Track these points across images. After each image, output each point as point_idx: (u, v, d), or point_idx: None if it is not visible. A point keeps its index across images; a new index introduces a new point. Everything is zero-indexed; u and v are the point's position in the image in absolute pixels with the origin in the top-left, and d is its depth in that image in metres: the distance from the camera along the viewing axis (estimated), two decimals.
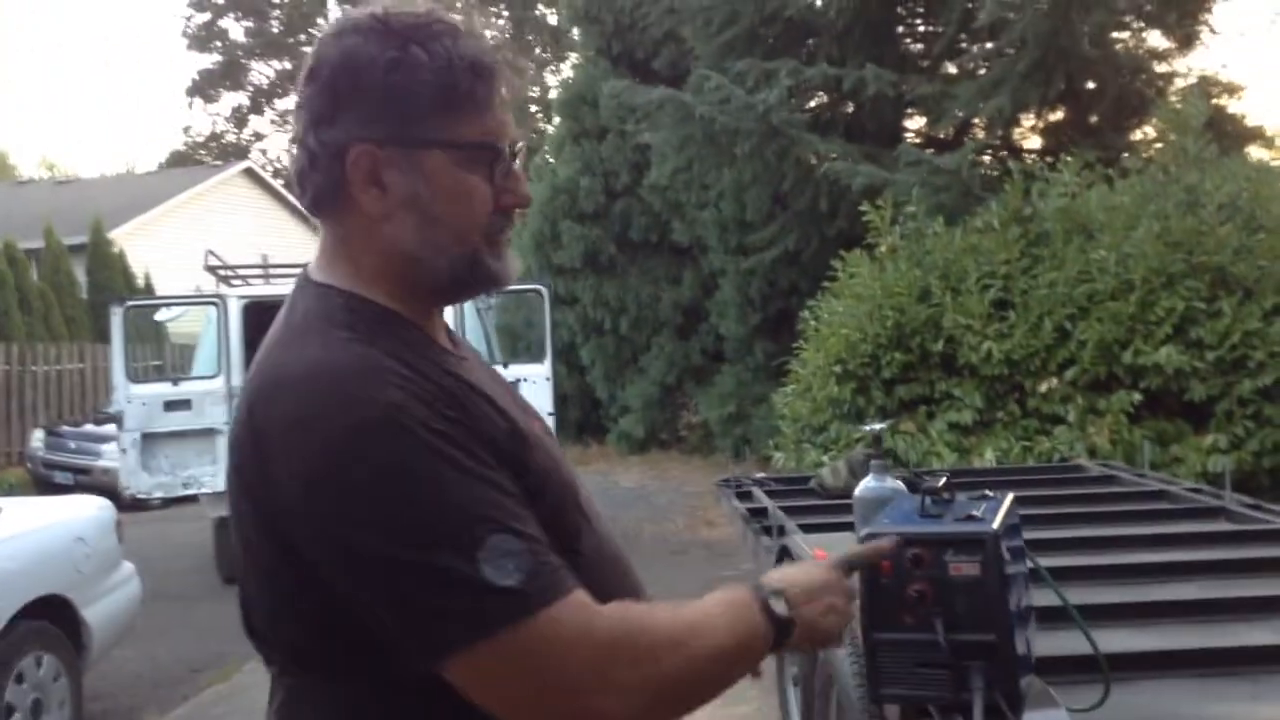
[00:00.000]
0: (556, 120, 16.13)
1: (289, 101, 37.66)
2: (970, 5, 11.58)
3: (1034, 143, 12.02)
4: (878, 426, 6.15)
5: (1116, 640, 2.22)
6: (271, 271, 9.98)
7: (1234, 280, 7.33)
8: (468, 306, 8.17)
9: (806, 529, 3.69)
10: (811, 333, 8.38)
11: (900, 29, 12.54)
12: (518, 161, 1.26)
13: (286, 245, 20.01)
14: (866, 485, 2.34)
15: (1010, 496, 1.95)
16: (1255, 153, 11.34)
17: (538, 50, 38.78)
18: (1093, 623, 1.91)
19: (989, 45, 11.30)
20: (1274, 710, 2.08)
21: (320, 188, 1.21)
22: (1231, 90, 13.70)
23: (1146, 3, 11.01)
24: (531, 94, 37.78)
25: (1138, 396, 7.24)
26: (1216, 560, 3.29)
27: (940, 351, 7.65)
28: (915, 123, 12.47)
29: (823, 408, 7.82)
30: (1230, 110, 12.15)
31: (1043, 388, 7.50)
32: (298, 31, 36.78)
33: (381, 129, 1.16)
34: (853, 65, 10.98)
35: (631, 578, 1.32)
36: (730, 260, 12.27)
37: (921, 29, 12.57)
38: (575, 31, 16.06)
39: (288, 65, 37.13)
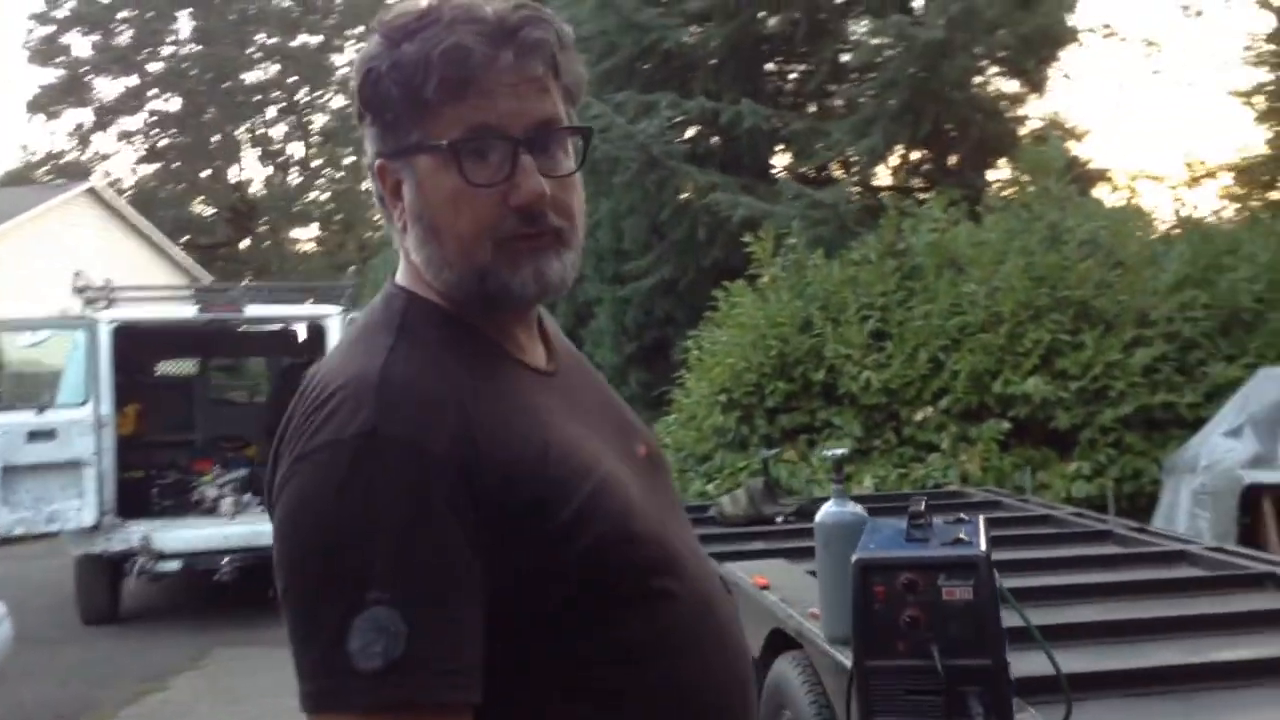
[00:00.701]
0: None
1: (136, 119, 36.28)
2: (840, 47, 11.98)
3: (903, 180, 12.44)
4: (769, 453, 6.26)
5: (1036, 663, 2.23)
6: (142, 294, 9.54)
7: (1095, 314, 7.69)
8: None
9: (716, 557, 3.68)
10: (695, 362, 8.44)
11: (773, 66, 12.83)
12: (533, 152, 1.09)
13: (131, 268, 19.16)
14: (829, 511, 2.34)
15: (983, 519, 1.97)
16: (1102, 193, 12.02)
17: None
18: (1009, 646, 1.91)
19: (860, 85, 11.66)
20: None
21: (378, 202, 1.17)
22: (1077, 135, 14.50)
23: (1004, 49, 11.52)
24: None
25: (1007, 425, 7.51)
26: (1117, 582, 3.42)
27: (822, 381, 7.80)
28: (783, 158, 12.78)
29: (707, 436, 7.87)
30: (1075, 153, 12.84)
31: (918, 416, 7.71)
32: (144, 47, 35.40)
33: (383, 142, 1.12)
34: (728, 100, 11.18)
35: (725, 636, 1.19)
36: (606, 289, 12.29)
37: (794, 67, 12.88)
38: None
39: (135, 81, 35.68)
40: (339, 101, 37.92)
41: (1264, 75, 17.00)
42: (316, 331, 8.46)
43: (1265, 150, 17.81)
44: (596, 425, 1.17)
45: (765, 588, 2.98)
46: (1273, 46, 16.03)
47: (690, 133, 12.21)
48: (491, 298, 1.10)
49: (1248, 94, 17.35)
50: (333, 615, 0.94)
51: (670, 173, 10.74)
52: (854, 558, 1.78)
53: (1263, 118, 17.80)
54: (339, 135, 37.08)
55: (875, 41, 11.42)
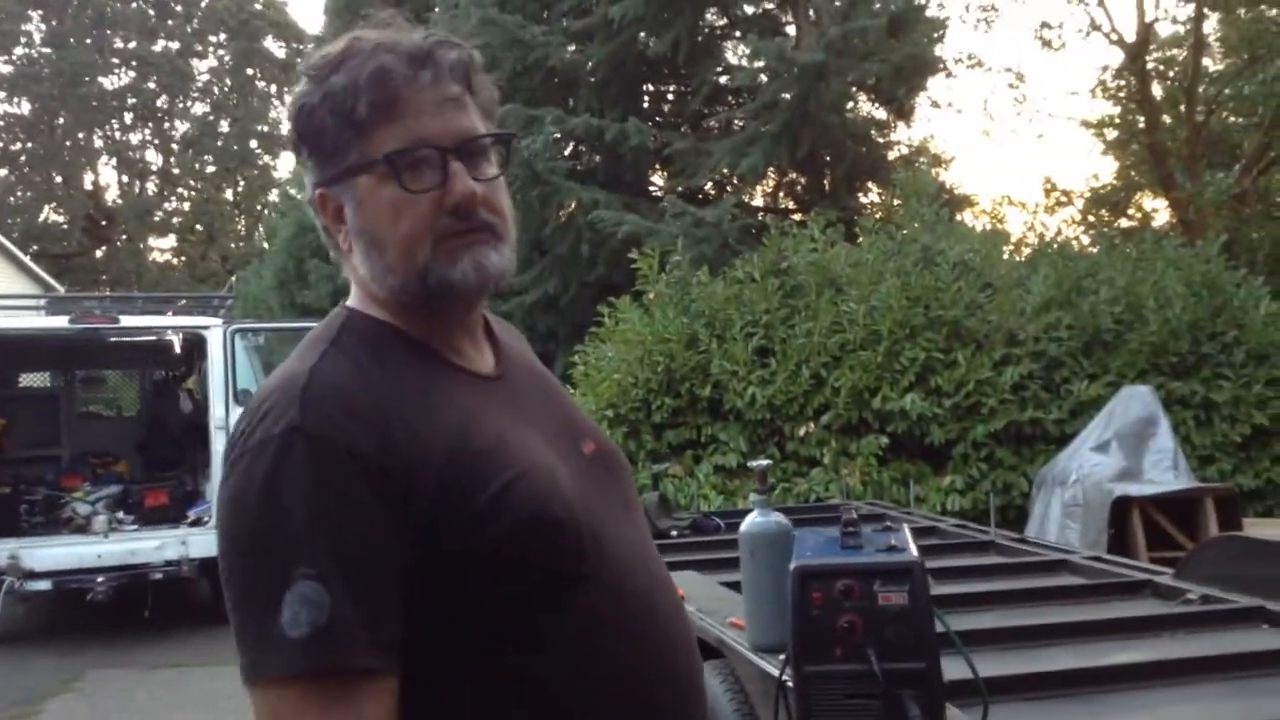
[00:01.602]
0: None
1: None
2: (719, 69, 12.22)
3: (778, 201, 12.72)
4: (661, 467, 6.30)
5: (951, 668, 2.31)
6: (5, 302, 9.08)
7: (967, 333, 8.00)
8: (240, 345, 7.70)
9: None
10: (582, 378, 8.45)
11: (653, 86, 13.00)
12: (462, 159, 1.20)
13: None
14: (755, 521, 2.38)
15: (907, 526, 2.04)
16: (968, 219, 12.52)
17: (260, 83, 37.41)
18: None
19: (739, 107, 11.90)
20: None
21: (323, 233, 1.27)
22: (941, 161, 15.09)
23: (875, 77, 11.93)
24: (258, 128, 36.40)
25: (885, 440, 7.74)
26: (1007, 590, 3.55)
27: (708, 396, 7.91)
28: (661, 177, 12.95)
29: None
30: (942, 179, 13.37)
31: (801, 431, 7.88)
32: None
33: (321, 172, 1.21)
34: (611, 118, 11.28)
35: (659, 630, 1.24)
36: (489, 304, 12.17)
37: (674, 88, 13.07)
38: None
39: None
40: (200, 109, 36.87)
41: (1112, 108, 17.97)
42: (195, 343, 8.17)
43: (1114, 180, 18.83)
44: (538, 424, 1.25)
45: (682, 598, 3.01)
46: (1121, 81, 16.95)
47: (570, 149, 12.28)
48: (435, 294, 1.19)
49: (1099, 125, 18.29)
50: (265, 593, 1.03)
51: (553, 189, 10.78)
52: (792, 565, 1.82)
53: (1111, 148, 18.81)
54: (200, 144, 36.02)
55: (754, 65, 11.69)
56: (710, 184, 12.02)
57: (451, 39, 1.22)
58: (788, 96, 10.55)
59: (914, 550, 1.85)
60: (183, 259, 37.16)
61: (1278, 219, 14.90)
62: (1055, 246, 9.72)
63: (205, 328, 7.86)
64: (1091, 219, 18.20)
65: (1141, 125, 16.15)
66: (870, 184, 12.71)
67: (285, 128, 1.27)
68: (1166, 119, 16.07)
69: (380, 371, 1.17)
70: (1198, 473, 7.04)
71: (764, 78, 11.34)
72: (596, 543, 1.19)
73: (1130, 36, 15.53)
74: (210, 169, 36.90)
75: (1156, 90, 16.20)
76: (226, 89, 36.90)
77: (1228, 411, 7.70)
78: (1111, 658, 2.69)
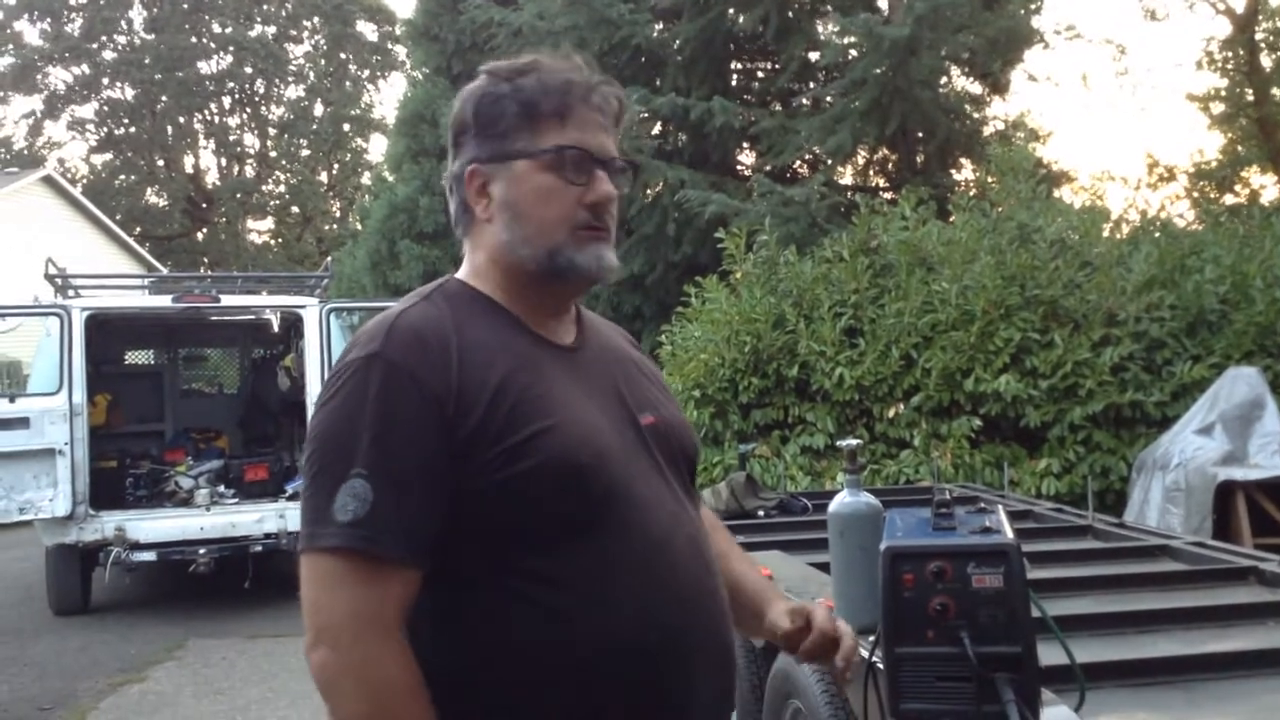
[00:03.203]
0: (393, 137, 15.78)
1: (88, 108, 35.67)
2: (808, 45, 12.06)
3: (868, 179, 12.54)
4: (748, 447, 6.28)
5: (1047, 653, 2.27)
6: (113, 282, 9.39)
7: (1065, 313, 7.80)
8: (335, 324, 7.86)
9: None
10: (669, 357, 8.45)
11: (741, 64, 12.89)
12: (608, 169, 1.47)
13: (87, 258, 18.83)
14: (845, 501, 2.36)
15: (1002, 508, 2.00)
16: (1066, 194, 12.19)
17: (353, 68, 37.97)
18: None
19: (828, 84, 11.73)
20: (1212, 715, 2.19)
21: (455, 209, 1.51)
22: (1038, 136, 14.70)
23: (969, 51, 11.66)
24: (350, 112, 37.01)
25: (977, 422, 7.60)
26: (1105, 576, 3.47)
27: (795, 377, 7.85)
28: (749, 155, 12.84)
29: None
30: (1039, 154, 13.02)
31: (890, 413, 7.78)
32: (97, 35, 34.81)
33: (483, 150, 1.46)
34: (697, 96, 11.22)
35: (674, 580, 1.38)
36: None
37: (762, 65, 12.94)
38: (404, 50, 15.80)
39: (86, 70, 35.07)
40: (295, 93, 37.59)
41: (1219, 80, 17.33)
42: (293, 322, 8.36)
43: (1219, 155, 18.18)
44: (599, 392, 1.46)
45: (769, 578, 3.00)
46: (1228, 53, 16.33)
47: (656, 128, 12.24)
48: (557, 271, 1.43)
49: (1204, 99, 17.65)
50: (326, 483, 1.28)
51: (640, 168, 10.75)
52: (883, 546, 1.80)
53: (1217, 123, 18.15)
54: (295, 127, 36.75)
55: (844, 40, 11.52)
56: (798, 162, 11.89)
57: (613, 83, 1.51)
58: (878, 72, 10.37)
59: (1009, 532, 1.82)
60: (279, 240, 38.04)
61: None
62: (1158, 224, 9.42)
63: (302, 307, 8.04)
64: (1196, 195, 17.59)
65: (1250, 98, 15.54)
66: (964, 160, 12.44)
67: (455, 111, 1.50)
68: (1276, 92, 15.44)
69: (457, 321, 1.39)
70: None
71: (853, 53, 11.15)
72: (624, 495, 1.37)
73: (1239, 7, 14.96)
74: (305, 152, 37.65)
75: (1266, 62, 15.58)
76: (321, 72, 37.55)
77: None
78: (1213, 645, 2.61)
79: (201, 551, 7.28)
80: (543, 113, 1.42)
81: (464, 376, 1.33)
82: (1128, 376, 7.52)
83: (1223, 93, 17.42)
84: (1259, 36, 15.63)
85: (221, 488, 8.21)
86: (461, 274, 1.51)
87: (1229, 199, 16.87)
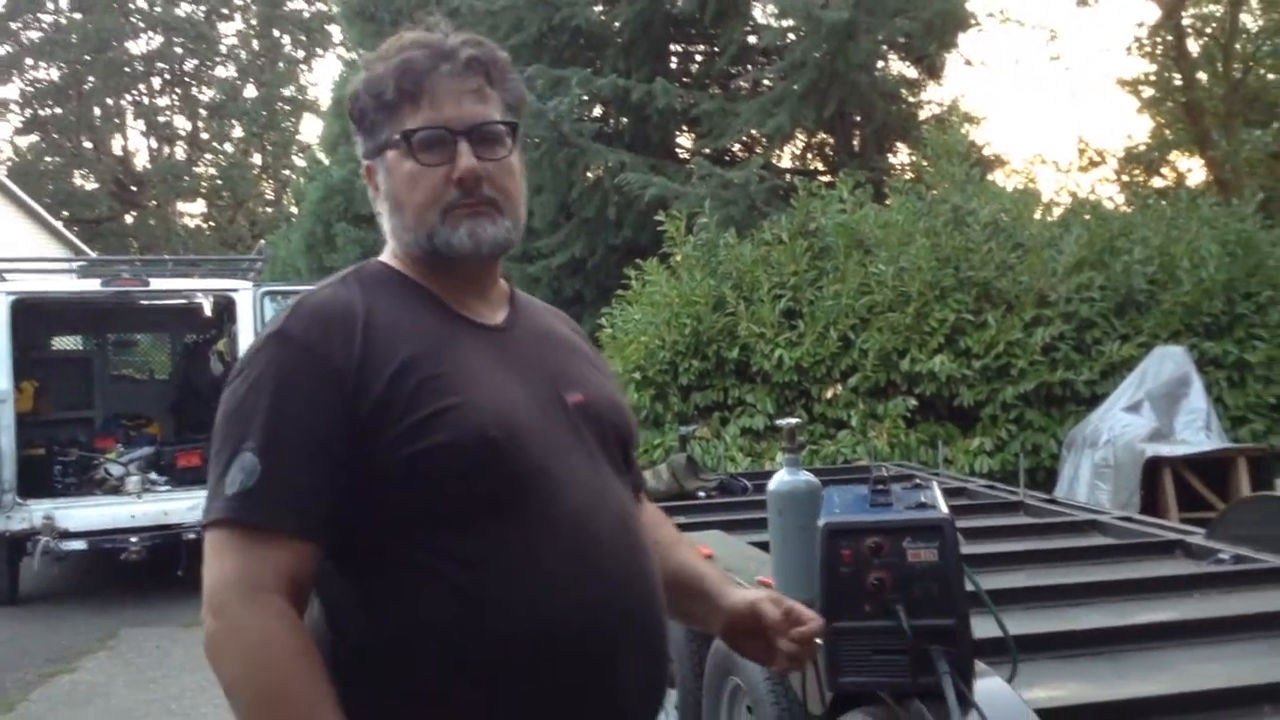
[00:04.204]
0: (328, 119, 15.56)
1: (11, 89, 34.63)
2: (747, 28, 12.08)
3: (805, 162, 12.61)
4: (689, 429, 6.30)
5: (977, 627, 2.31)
6: (40, 266, 9.15)
7: (997, 294, 7.93)
8: (269, 307, 7.73)
9: None
10: (609, 340, 8.45)
11: (680, 46, 12.88)
12: (470, 141, 1.40)
13: (13, 241, 18.35)
14: (784, 480, 2.37)
15: (937, 485, 2.03)
16: (999, 178, 12.36)
17: (286, 47, 37.31)
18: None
19: (766, 67, 11.77)
20: (1144, 687, 2.24)
21: (370, 198, 1.51)
22: (972, 120, 14.87)
23: (905, 35, 11.76)
24: (284, 93, 36.39)
25: (913, 402, 7.71)
26: (1037, 550, 3.54)
27: (735, 359, 7.90)
28: (688, 138, 12.84)
29: None
30: (972, 138, 13.18)
31: (828, 394, 7.86)
32: (20, 14, 33.82)
33: (366, 146, 1.46)
34: (638, 78, 11.20)
35: (594, 558, 1.35)
36: (514, 267, 12.20)
37: (701, 48, 12.94)
38: (339, 29, 15.57)
39: (9, 50, 34.05)
40: (226, 73, 36.86)
41: (1148, 65, 17.65)
42: (225, 306, 8.22)
43: (1148, 139, 18.54)
44: (523, 372, 1.43)
45: (710, 558, 3.01)
46: (1157, 38, 16.64)
47: (598, 111, 12.20)
48: (439, 253, 1.41)
49: (1134, 83, 17.98)
50: (222, 457, 1.30)
51: (580, 151, 10.73)
52: (821, 522, 1.82)
53: (1146, 107, 18.50)
54: (227, 108, 36.05)
55: (782, 24, 11.56)
56: (738, 145, 11.93)
57: (480, 42, 1.45)
58: (816, 55, 10.42)
59: (944, 508, 1.85)
60: (211, 223, 37.33)
61: None
62: (1088, 207, 9.61)
63: (235, 291, 7.91)
64: (1125, 178, 17.94)
65: (1177, 83, 15.87)
66: (900, 144, 12.55)
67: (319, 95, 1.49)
68: (1203, 76, 15.78)
69: (368, 300, 1.38)
70: (1230, 433, 6.98)
71: (791, 36, 11.20)
72: (542, 473, 1.35)
73: None
74: (237, 133, 36.96)
75: (1193, 47, 15.90)
76: (253, 52, 36.84)
77: (1261, 372, 7.62)
78: (1141, 617, 2.68)
79: (133, 540, 7.14)
80: (393, 100, 1.40)
81: (368, 353, 1.32)
82: (1058, 356, 7.68)
83: (1151, 77, 17.75)
84: (1186, 22, 15.95)
85: (153, 475, 8.06)
86: (384, 256, 1.50)
87: (1157, 182, 17.22)
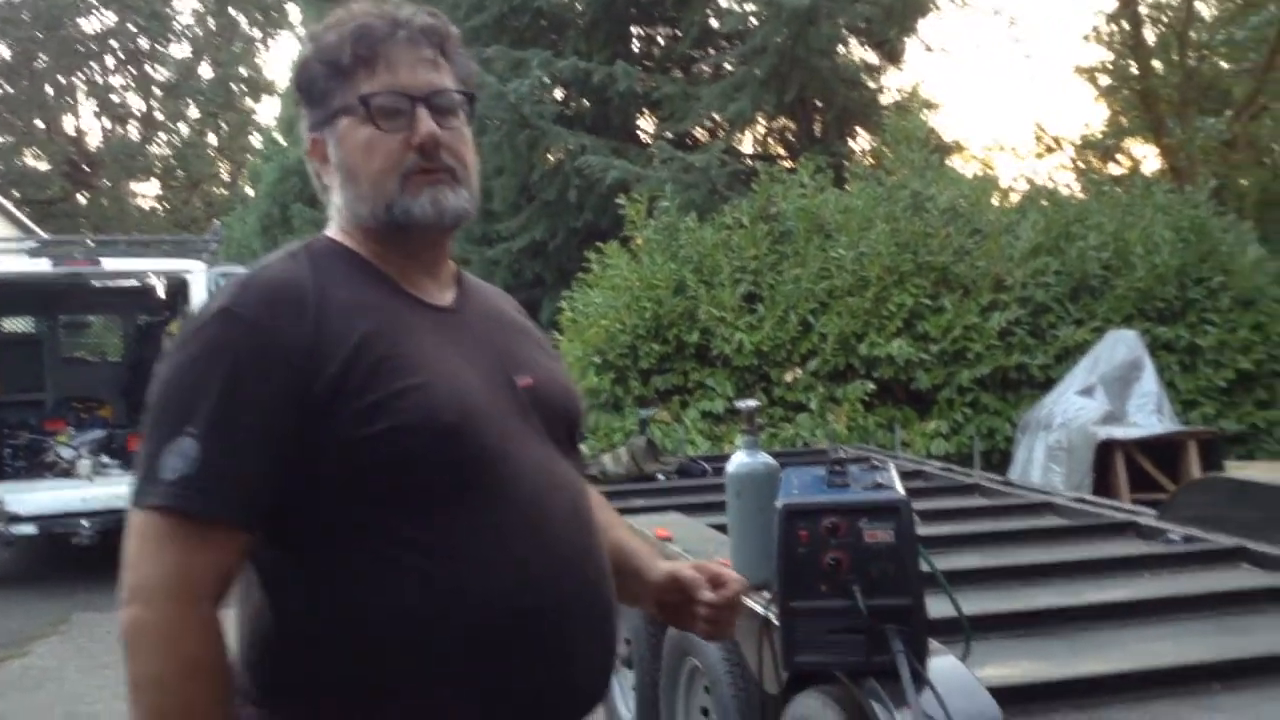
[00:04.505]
0: (285, 99, 15.37)
1: None
2: (708, 11, 12.06)
3: (767, 147, 12.62)
4: (648, 412, 6.31)
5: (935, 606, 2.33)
6: None
7: (955, 279, 8.00)
8: None
9: None
10: (569, 323, 8.43)
11: (641, 29, 12.83)
12: (431, 107, 1.38)
13: None
14: (742, 461, 2.38)
15: (894, 467, 2.05)
16: (957, 164, 12.45)
17: (243, 26, 36.79)
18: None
19: (728, 51, 11.76)
20: (1096, 665, 2.27)
21: (313, 175, 1.47)
22: (931, 106, 14.94)
23: (865, 20, 11.78)
24: (240, 73, 35.90)
25: (871, 385, 7.76)
26: (992, 531, 3.58)
27: (695, 342, 7.91)
28: (649, 122, 12.81)
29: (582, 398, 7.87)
30: (931, 124, 13.25)
31: (788, 377, 7.90)
32: None
33: (314, 116, 1.41)
34: (599, 61, 11.15)
35: (546, 538, 1.33)
36: (474, 250, 12.15)
37: (662, 31, 12.90)
38: (296, 9, 15.38)
39: None
40: (181, 52, 36.30)
41: (1105, 53, 17.81)
42: (179, 287, 8.10)
43: (1104, 126, 18.72)
44: (474, 353, 1.40)
45: (668, 539, 3.02)
46: (1114, 26, 16.79)
47: (559, 94, 12.13)
48: (397, 223, 1.36)
49: (1091, 71, 18.14)
50: (158, 440, 1.24)
51: (541, 133, 10.67)
52: (779, 503, 1.83)
53: (1102, 95, 18.67)
54: (182, 87, 35.51)
55: (744, 8, 11.55)
56: (699, 129, 11.91)
57: (434, 13, 1.42)
58: (777, 40, 10.42)
59: (900, 489, 1.86)
60: (166, 204, 36.78)
61: (1266, 165, 14.88)
62: (1044, 193, 9.70)
63: (189, 272, 7.80)
64: (1081, 165, 18.11)
65: (1134, 71, 16.03)
66: (860, 129, 12.59)
67: (276, 75, 1.45)
68: (1158, 65, 15.95)
69: (320, 277, 1.33)
70: (1181, 417, 7.10)
71: (753, 21, 11.19)
72: (496, 456, 1.32)
73: None
74: (193, 113, 36.41)
75: (1149, 35, 16.05)
76: (208, 31, 36.28)
77: (1212, 356, 7.75)
78: (1093, 596, 2.71)
79: (85, 524, 7.05)
80: (347, 65, 1.37)
81: (321, 332, 1.28)
82: (1014, 340, 7.76)
83: (1108, 65, 17.91)
84: (1143, 10, 16.10)
85: (105, 458, 7.95)
86: (330, 232, 1.45)
87: (1112, 169, 17.40)
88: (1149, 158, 17.12)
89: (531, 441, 1.39)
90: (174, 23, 35.64)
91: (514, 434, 1.37)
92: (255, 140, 32.26)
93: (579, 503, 1.43)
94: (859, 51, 12.86)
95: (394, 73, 1.36)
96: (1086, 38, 18.60)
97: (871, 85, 12.78)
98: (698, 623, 1.53)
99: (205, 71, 36.07)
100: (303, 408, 1.25)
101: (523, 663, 1.30)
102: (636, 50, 12.51)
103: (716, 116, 11.42)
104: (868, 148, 12.40)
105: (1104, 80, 18.02)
